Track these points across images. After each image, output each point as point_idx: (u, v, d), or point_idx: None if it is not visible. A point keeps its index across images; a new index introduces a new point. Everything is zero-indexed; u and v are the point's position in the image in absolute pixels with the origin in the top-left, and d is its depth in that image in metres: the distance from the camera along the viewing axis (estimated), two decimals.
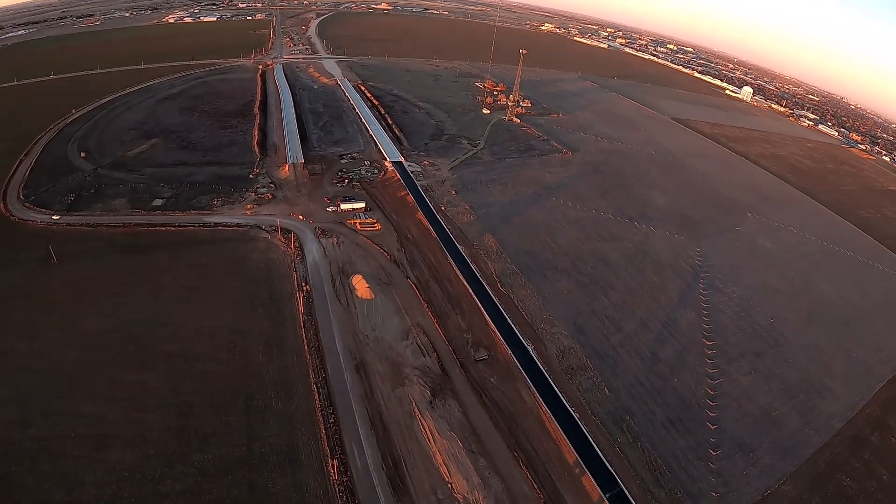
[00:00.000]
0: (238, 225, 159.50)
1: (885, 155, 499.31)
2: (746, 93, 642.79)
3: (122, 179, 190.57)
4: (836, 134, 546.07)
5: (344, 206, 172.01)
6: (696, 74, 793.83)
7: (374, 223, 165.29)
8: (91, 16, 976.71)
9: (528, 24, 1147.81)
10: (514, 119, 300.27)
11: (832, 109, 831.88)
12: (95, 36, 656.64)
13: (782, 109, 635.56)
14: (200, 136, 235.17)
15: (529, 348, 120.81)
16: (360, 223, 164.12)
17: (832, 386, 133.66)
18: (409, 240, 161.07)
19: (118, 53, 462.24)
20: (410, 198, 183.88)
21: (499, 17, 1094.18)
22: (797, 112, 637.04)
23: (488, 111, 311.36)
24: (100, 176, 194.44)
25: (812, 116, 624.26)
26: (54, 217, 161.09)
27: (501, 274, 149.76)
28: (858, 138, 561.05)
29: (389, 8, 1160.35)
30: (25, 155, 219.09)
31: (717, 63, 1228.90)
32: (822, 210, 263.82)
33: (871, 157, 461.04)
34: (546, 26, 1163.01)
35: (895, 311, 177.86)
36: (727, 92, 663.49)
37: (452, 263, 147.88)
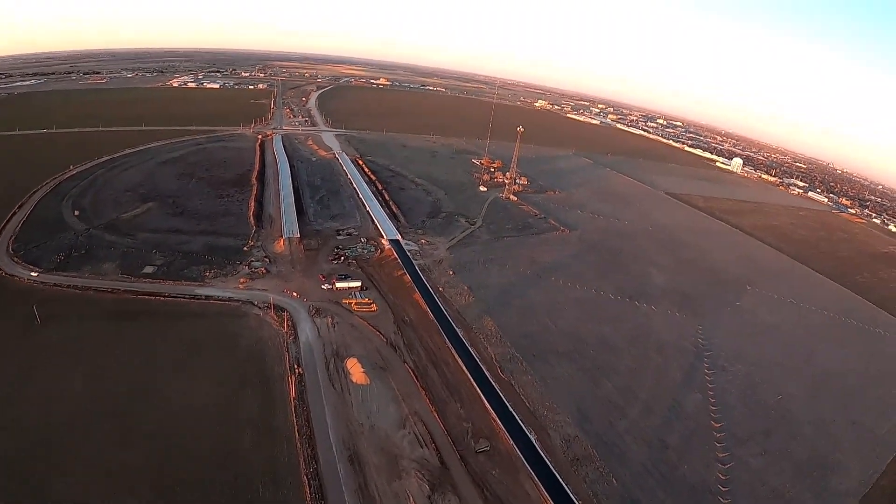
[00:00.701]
0: (230, 299, 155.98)
1: (874, 217, 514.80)
2: (737, 164, 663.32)
3: (114, 243, 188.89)
4: (826, 200, 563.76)
5: (339, 285, 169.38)
6: (687, 148, 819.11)
7: (371, 304, 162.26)
8: (98, 73, 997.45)
9: (521, 101, 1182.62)
10: (512, 197, 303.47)
11: (820, 176, 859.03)
12: (100, 93, 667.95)
13: (772, 179, 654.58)
14: (196, 204, 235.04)
15: (532, 438, 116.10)
16: (355, 303, 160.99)
17: (843, 460, 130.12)
18: (407, 322, 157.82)
19: (121, 113, 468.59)
20: (408, 278, 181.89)
21: (497, 95, 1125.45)
22: (787, 181, 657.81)
23: (485, 189, 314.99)
24: (92, 237, 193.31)
25: (801, 184, 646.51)
26: (32, 274, 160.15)
27: (502, 359, 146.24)
28: (848, 203, 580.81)
29: (388, 83, 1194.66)
30: (19, 207, 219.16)
31: (705, 136, 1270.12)
32: (819, 279, 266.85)
33: (861, 220, 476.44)
34: (539, 103, 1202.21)
35: None
36: (718, 164, 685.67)
37: (451, 348, 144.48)
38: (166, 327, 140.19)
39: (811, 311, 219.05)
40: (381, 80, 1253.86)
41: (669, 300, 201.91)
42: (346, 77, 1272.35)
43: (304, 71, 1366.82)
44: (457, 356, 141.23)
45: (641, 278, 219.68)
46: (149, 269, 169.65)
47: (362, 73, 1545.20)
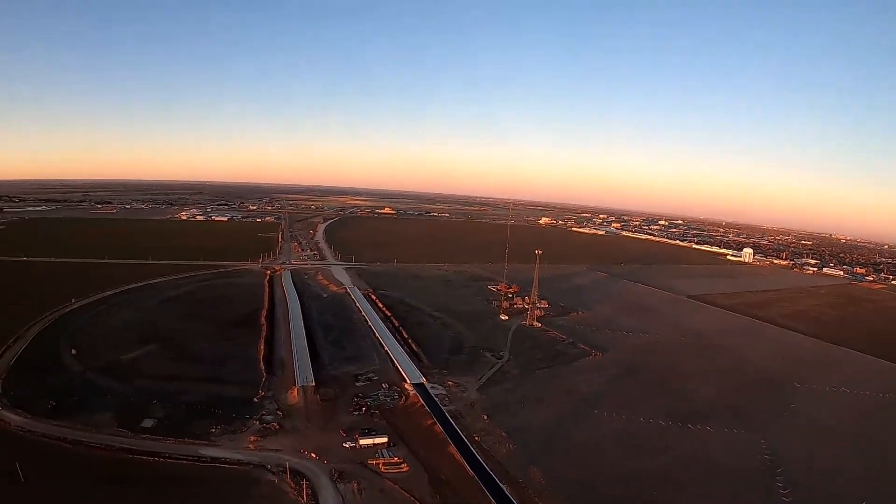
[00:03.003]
0: (239, 462, 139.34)
1: (893, 279, 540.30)
2: (747, 254, 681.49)
3: (111, 389, 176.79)
4: (842, 273, 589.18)
5: (364, 442, 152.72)
6: (695, 245, 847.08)
7: (401, 463, 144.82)
8: (109, 203, 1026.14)
9: (526, 220, 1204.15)
10: (536, 323, 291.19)
11: (828, 249, 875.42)
12: (109, 224, 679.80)
13: (784, 262, 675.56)
14: (201, 347, 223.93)
15: None
16: (383, 463, 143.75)
17: None
18: (443, 481, 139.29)
19: (129, 245, 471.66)
20: (438, 427, 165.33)
21: (510, 217, 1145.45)
22: (798, 262, 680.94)
23: (506, 317, 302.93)
24: (87, 381, 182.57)
25: (813, 262, 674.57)
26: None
27: None
28: (863, 270, 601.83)
29: (393, 212, 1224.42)
30: (14, 341, 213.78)
31: (708, 230, 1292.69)
32: (863, 359, 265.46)
33: (882, 285, 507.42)
34: (543, 220, 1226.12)
35: None
36: (728, 257, 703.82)
37: None
38: (165, 497, 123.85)
39: (867, 398, 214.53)
40: (386, 209, 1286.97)
41: (722, 416, 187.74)
42: (351, 208, 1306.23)
43: (311, 203, 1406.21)
44: None
45: (686, 396, 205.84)
46: (148, 423, 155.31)
47: (367, 202, 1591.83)
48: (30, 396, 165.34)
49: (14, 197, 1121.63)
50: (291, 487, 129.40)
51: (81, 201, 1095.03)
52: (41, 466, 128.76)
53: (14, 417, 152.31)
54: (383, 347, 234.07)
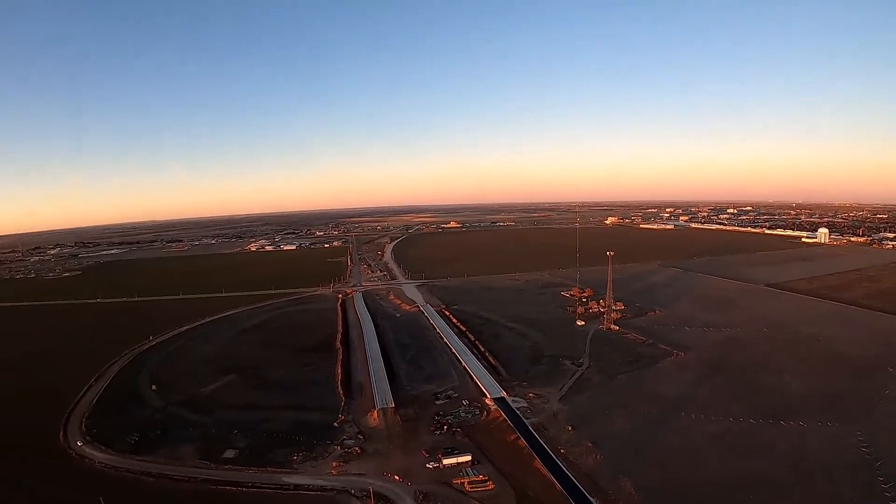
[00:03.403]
0: (322, 489, 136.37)
1: None
2: (823, 234, 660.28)
3: (192, 421, 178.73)
4: None
5: (447, 461, 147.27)
6: (767, 231, 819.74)
7: (487, 481, 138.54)
8: (180, 241, 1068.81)
9: (592, 221, 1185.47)
10: (613, 326, 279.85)
11: None
12: (181, 261, 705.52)
13: (861, 239, 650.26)
14: (279, 374, 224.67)
15: None
16: (468, 482, 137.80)
17: None
18: (531, 498, 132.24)
19: (201, 280, 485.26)
20: (522, 442, 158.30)
21: (578, 220, 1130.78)
22: (876, 237, 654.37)
23: (583, 322, 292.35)
24: (169, 414, 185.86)
25: (892, 236, 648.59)
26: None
27: None
28: None
29: (458, 226, 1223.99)
30: (96, 380, 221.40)
31: (779, 213, 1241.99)
32: None
33: None
34: (609, 220, 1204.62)
35: None
36: (803, 239, 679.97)
37: None
38: None
39: None
40: (452, 224, 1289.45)
41: (815, 410, 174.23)
42: (416, 225, 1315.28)
43: (376, 224, 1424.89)
44: None
45: (776, 391, 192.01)
46: (230, 454, 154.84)
47: (432, 218, 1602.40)
48: (113, 433, 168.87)
49: (89, 242, 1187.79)
50: None
51: (153, 241, 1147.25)
52: (125, 501, 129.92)
53: (98, 454, 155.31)
54: (461, 363, 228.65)
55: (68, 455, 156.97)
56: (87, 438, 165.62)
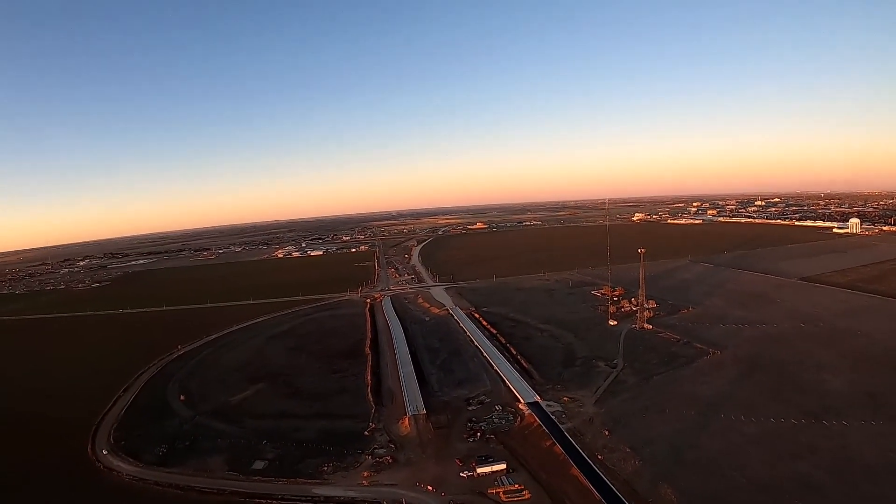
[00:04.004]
0: (353, 500, 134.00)
1: None
2: (854, 224, 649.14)
3: (221, 431, 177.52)
4: None
5: (481, 470, 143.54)
6: (797, 223, 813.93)
7: (522, 491, 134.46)
8: (207, 250, 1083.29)
9: (619, 218, 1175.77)
10: (646, 325, 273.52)
11: None
12: (209, 270, 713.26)
13: (894, 228, 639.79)
14: (309, 382, 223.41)
15: None
16: (503, 492, 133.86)
17: None
18: None
19: (229, 288, 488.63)
20: (558, 448, 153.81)
21: (607, 217, 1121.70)
22: None
23: (615, 322, 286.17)
24: (198, 425, 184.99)
25: None
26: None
27: None
28: None
29: (485, 227, 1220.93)
30: (124, 391, 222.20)
31: (808, 204, 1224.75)
32: None
33: None
34: (637, 216, 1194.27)
35: None
36: (835, 230, 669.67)
37: None
38: None
39: None
40: (478, 225, 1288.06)
41: (858, 408, 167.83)
42: (442, 227, 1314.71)
43: (402, 227, 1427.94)
44: None
45: (817, 389, 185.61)
46: (259, 465, 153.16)
47: (457, 220, 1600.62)
48: (140, 445, 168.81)
49: (118, 253, 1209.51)
50: None
51: (181, 250, 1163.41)
52: None
53: (126, 466, 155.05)
54: (492, 367, 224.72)
55: (96, 468, 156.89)
56: (115, 451, 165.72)
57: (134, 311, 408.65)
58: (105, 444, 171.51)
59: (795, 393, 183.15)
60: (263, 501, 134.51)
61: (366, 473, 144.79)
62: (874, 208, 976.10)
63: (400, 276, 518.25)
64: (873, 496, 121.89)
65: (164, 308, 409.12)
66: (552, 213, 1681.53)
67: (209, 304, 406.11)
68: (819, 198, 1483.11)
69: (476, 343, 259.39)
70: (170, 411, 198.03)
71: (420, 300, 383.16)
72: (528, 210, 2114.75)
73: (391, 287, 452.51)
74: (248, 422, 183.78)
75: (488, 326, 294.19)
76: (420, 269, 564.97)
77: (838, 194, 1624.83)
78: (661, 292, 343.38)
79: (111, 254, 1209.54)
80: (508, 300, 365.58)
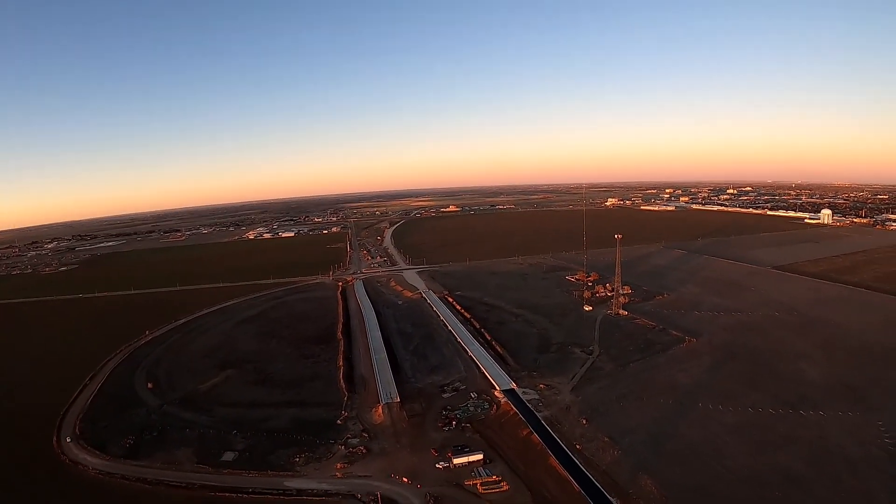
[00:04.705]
0: (326, 493, 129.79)
1: None
2: (826, 215, 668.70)
3: (189, 421, 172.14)
4: None
5: (457, 461, 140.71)
6: (769, 212, 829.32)
7: (500, 482, 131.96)
8: (177, 231, 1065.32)
9: (592, 203, 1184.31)
10: (621, 311, 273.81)
11: None
12: (179, 251, 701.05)
13: (864, 220, 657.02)
14: (279, 368, 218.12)
15: None
16: (481, 483, 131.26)
17: None
18: (548, 499, 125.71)
19: (199, 270, 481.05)
20: (535, 437, 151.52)
21: (584, 204, 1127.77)
22: (879, 218, 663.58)
23: (590, 307, 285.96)
24: (166, 414, 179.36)
25: (895, 217, 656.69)
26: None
27: None
28: None
29: (457, 209, 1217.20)
30: (90, 379, 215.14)
31: (779, 194, 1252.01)
32: None
33: None
34: (610, 201, 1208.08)
35: None
36: (806, 220, 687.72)
37: None
38: None
39: None
40: (451, 208, 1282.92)
41: (835, 399, 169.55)
42: (415, 210, 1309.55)
43: (375, 209, 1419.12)
44: None
45: (794, 378, 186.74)
46: (229, 456, 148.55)
47: (430, 203, 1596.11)
48: (107, 436, 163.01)
49: (87, 235, 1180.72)
50: None
51: (150, 232, 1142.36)
52: None
53: (92, 460, 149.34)
54: (467, 353, 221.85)
55: (61, 462, 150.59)
56: (81, 443, 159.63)
57: (102, 294, 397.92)
58: (71, 437, 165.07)
59: (772, 382, 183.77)
60: (234, 496, 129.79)
61: (339, 465, 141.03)
62: (845, 200, 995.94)
63: (372, 258, 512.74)
64: (854, 488, 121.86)
65: (133, 291, 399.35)
66: (525, 197, 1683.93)
67: (178, 287, 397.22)
68: (790, 188, 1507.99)
69: (450, 328, 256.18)
70: (137, 400, 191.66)
71: (393, 283, 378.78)
72: (502, 193, 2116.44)
73: (363, 270, 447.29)
74: (217, 410, 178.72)
75: (462, 311, 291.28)
76: (393, 251, 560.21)
77: (809, 185, 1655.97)
78: (636, 278, 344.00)
79: (80, 236, 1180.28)
80: (482, 284, 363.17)
